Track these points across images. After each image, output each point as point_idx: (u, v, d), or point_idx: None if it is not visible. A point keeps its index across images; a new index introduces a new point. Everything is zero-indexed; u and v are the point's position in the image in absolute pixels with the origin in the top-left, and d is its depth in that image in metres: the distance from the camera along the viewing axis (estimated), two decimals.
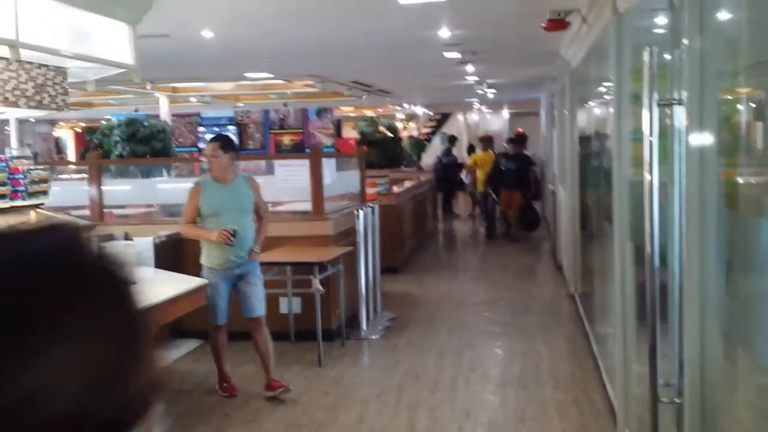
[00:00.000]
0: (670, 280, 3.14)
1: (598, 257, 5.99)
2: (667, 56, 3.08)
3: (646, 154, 3.15)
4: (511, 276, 9.23)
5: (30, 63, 4.50)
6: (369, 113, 19.08)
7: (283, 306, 6.45)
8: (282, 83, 12.01)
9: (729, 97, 2.52)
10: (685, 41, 2.48)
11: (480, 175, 13.39)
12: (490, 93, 14.12)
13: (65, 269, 0.64)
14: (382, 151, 16.39)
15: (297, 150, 17.69)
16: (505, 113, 23.98)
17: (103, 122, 14.08)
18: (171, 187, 8.75)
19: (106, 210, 7.54)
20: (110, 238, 6.49)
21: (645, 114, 3.14)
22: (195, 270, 5.16)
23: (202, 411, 4.96)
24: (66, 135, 25.51)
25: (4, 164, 5.14)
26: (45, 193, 5.50)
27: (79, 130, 23.83)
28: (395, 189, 11.14)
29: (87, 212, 6.94)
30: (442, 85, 12.60)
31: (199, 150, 18.36)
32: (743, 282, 2.22)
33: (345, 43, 7.09)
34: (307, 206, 6.64)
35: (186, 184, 8.96)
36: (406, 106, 20.20)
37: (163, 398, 5.33)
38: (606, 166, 5.35)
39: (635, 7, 3.85)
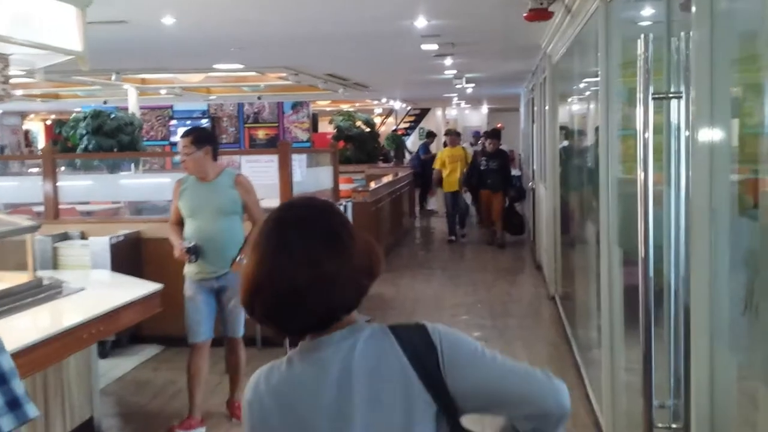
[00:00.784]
0: (665, 290, 2.86)
1: (580, 258, 5.71)
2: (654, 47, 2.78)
3: (640, 152, 2.85)
4: (490, 276, 8.94)
5: None
6: (346, 108, 18.76)
7: None
8: (255, 75, 11.63)
9: (738, 88, 2.22)
10: (693, 26, 2.17)
11: (449, 174, 11.75)
12: (469, 88, 13.82)
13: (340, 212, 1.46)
14: (359, 146, 16.09)
15: (272, 145, 17.30)
16: (484, 109, 23.79)
17: (74, 115, 13.66)
18: (137, 183, 8.35)
19: (67, 206, 7.17)
20: (65, 237, 6.11)
21: (639, 109, 2.84)
22: (156, 273, 4.80)
23: (160, 423, 4.61)
24: (37, 128, 24.94)
25: None
26: None
27: (50, 123, 23.30)
28: (372, 185, 10.83)
29: (42, 209, 6.55)
30: (421, 80, 12.29)
31: (171, 144, 17.91)
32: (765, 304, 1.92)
33: (316, 32, 6.75)
34: (276, 204, 6.30)
35: (155, 180, 8.67)
36: (384, 100, 19.89)
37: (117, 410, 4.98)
38: (589, 164, 5.06)
39: None
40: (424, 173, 14.19)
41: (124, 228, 6.22)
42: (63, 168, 11.94)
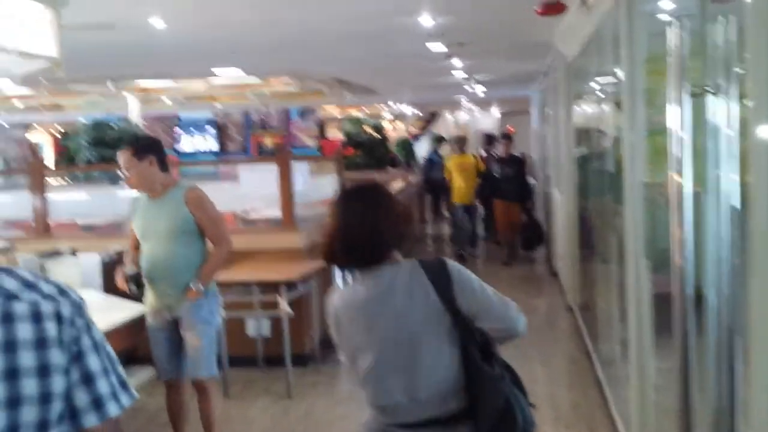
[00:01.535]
0: (705, 311, 2.51)
1: (600, 267, 5.35)
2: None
3: (675, 154, 2.51)
4: (504, 284, 8.54)
5: None
6: (355, 113, 18.44)
7: (251, 328, 5.78)
8: (258, 82, 11.33)
9: None
10: (748, 6, 1.82)
11: (459, 183, 10.13)
12: (480, 90, 13.46)
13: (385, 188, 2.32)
14: (368, 152, 15.76)
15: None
16: (496, 112, 23.40)
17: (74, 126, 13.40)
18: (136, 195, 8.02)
19: (65, 222, 6.89)
20: (55, 253, 5.81)
21: (672, 106, 2.50)
22: None
23: None
24: (43, 140, 24.75)
25: None
26: None
27: (58, 135, 23.10)
28: None
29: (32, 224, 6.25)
30: (429, 83, 11.95)
31: (178, 153, 17.65)
32: None
33: (316, 32, 6.43)
34: (278, 215, 5.97)
35: None
36: (393, 105, 19.57)
37: None
38: (609, 168, 4.71)
39: None
40: (434, 178, 13.61)
41: (119, 244, 5.90)
42: (63, 181, 11.74)
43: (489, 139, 12.68)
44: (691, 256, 2.45)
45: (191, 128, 17.61)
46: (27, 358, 1.24)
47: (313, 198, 6.98)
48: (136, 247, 3.91)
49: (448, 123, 23.02)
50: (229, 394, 5.17)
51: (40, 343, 1.27)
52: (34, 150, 23.57)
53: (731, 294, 2.35)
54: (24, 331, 1.26)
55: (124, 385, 1.42)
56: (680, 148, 2.49)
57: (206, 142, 17.44)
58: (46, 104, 14.40)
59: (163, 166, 3.78)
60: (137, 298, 3.91)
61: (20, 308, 1.26)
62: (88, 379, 1.34)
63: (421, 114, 23.09)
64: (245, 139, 17.44)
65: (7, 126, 20.52)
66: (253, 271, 5.46)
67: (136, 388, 3.98)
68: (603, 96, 5.17)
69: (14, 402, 1.22)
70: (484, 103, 19.99)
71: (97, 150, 11.13)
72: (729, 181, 2.30)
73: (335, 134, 17.87)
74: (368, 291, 2.15)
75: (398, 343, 2.11)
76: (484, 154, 12.45)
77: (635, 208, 3.32)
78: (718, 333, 2.43)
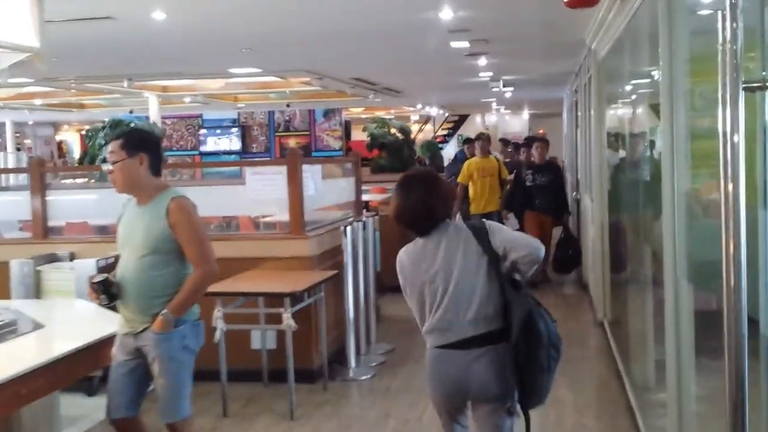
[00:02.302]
0: (762, 347, 2.12)
1: (634, 280, 4.91)
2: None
3: (727, 159, 2.09)
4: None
5: None
6: (381, 115, 18.09)
7: (255, 341, 5.43)
8: (280, 81, 11.03)
9: None
10: None
11: (480, 190, 8.90)
12: (508, 91, 13.01)
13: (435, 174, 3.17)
14: (393, 154, 15.35)
15: (304, 154, 16.72)
16: (525, 114, 22.89)
17: (94, 124, 13.23)
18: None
19: (76, 222, 6.60)
20: (52, 258, 5.51)
21: (723, 104, 2.08)
22: None
23: None
24: (72, 138, 24.75)
25: None
26: None
27: (84, 133, 23.09)
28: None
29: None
30: (455, 83, 11.53)
31: (201, 154, 17.45)
32: None
33: (332, 28, 6.08)
34: (287, 218, 5.62)
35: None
36: (419, 107, 19.17)
37: None
38: (645, 175, 4.28)
39: None
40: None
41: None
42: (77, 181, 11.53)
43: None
44: (744, 277, 2.05)
45: (215, 129, 17.40)
46: None
47: (327, 202, 6.63)
48: None
49: (477, 126, 22.56)
50: (228, 412, 4.82)
51: None
52: (61, 148, 23.59)
53: None
54: None
55: None
56: (732, 152, 2.08)
57: (230, 143, 17.22)
58: (74, 103, 14.29)
59: (155, 168, 3.29)
60: (113, 309, 3.46)
61: None
62: None
63: (448, 116, 22.69)
64: (269, 139, 17.18)
65: (30, 123, 20.47)
66: (257, 280, 5.11)
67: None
68: (637, 97, 4.74)
69: None
70: (514, 105, 19.49)
71: None
72: None
73: (361, 136, 17.54)
74: (426, 245, 2.92)
75: (449, 280, 2.85)
76: (503, 159, 11.44)
77: (676, 224, 2.89)
78: None
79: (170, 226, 3.21)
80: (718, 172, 2.61)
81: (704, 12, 2.97)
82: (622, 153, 5.64)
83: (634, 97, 5.03)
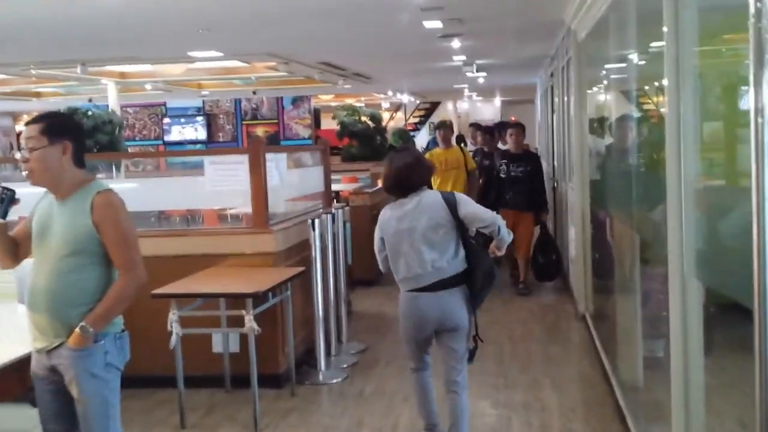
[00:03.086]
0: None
1: (621, 271, 4.60)
2: None
3: (758, 140, 1.77)
4: (508, 288, 7.76)
5: None
6: (351, 102, 17.65)
7: (217, 344, 5.03)
8: (243, 66, 10.55)
9: None
10: None
11: (441, 185, 7.62)
12: (481, 77, 12.66)
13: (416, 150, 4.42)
14: (364, 142, 14.94)
15: (273, 142, 16.23)
16: (497, 101, 22.62)
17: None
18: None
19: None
20: None
21: (749, 85, 1.76)
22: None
23: None
24: None
25: None
26: None
27: None
28: (380, 183, 9.64)
29: None
30: (427, 68, 11.15)
31: (165, 143, 16.88)
32: None
33: (294, 5, 5.66)
34: (249, 210, 5.22)
35: (139, 185, 7.27)
36: (390, 94, 18.77)
37: None
38: (636, 162, 3.95)
39: None
40: None
41: None
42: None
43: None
44: None
45: (179, 118, 16.84)
46: None
47: (293, 193, 6.24)
48: (14, 242, 2.96)
49: (449, 113, 22.25)
50: (186, 423, 4.42)
51: None
52: (19, 140, 22.85)
53: None
54: None
55: None
56: (757, 139, 1.76)
57: (195, 132, 16.68)
58: (30, 91, 13.68)
59: (79, 159, 2.83)
60: None
61: None
62: None
63: (420, 103, 22.33)
64: (236, 128, 16.67)
65: None
66: (217, 280, 4.71)
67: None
68: (626, 79, 4.41)
69: None
70: (486, 92, 19.17)
71: None
72: None
73: (331, 124, 17.09)
74: (405, 204, 3.66)
75: (423, 232, 3.60)
76: (471, 148, 10.10)
77: (684, 217, 2.55)
78: None
79: (94, 223, 2.76)
80: (733, 157, 2.26)
81: None
82: (607, 139, 5.32)
83: (621, 79, 4.70)
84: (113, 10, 5.11)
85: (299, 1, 5.53)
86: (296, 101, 16.52)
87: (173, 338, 4.33)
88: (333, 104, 18.75)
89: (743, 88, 1.95)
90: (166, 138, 16.85)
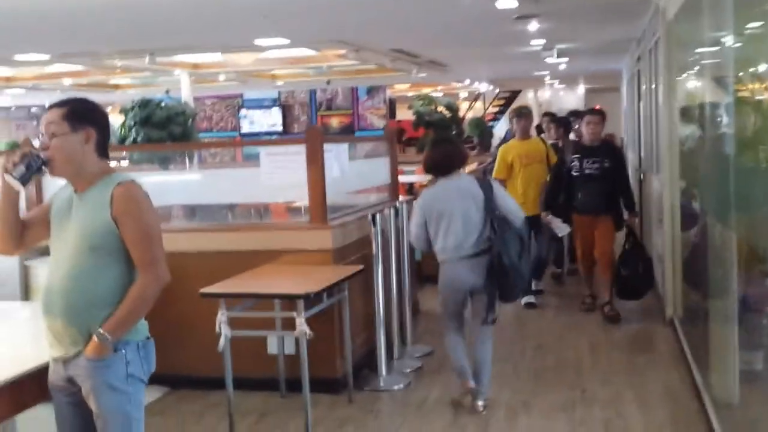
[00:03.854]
0: None
1: (717, 275, 4.08)
2: None
3: None
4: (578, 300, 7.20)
5: None
6: (428, 92, 17.27)
7: (272, 345, 4.76)
8: (315, 55, 10.31)
9: None
10: None
11: (522, 186, 6.60)
12: (562, 63, 12.05)
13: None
14: (439, 133, 14.58)
15: (347, 133, 16.03)
16: (581, 89, 21.79)
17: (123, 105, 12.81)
18: (170, 181, 6.69)
19: None
20: (45, 251, 4.92)
21: None
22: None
23: None
24: (117, 120, 24.54)
25: None
26: None
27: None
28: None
29: None
30: (504, 54, 10.65)
31: (241, 135, 16.88)
32: None
33: None
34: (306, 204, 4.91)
35: (212, 177, 6.88)
36: (468, 83, 18.27)
37: None
38: (731, 154, 3.45)
39: None
40: None
41: None
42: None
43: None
44: None
45: (256, 109, 16.84)
46: None
47: (355, 185, 5.92)
48: (24, 223, 2.64)
49: (530, 102, 21.56)
50: (235, 430, 4.15)
51: None
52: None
53: None
54: None
55: None
56: None
57: (271, 123, 16.64)
58: (108, 84, 13.85)
59: (103, 149, 2.58)
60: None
61: None
62: None
63: (499, 93, 21.73)
64: (310, 119, 16.54)
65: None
66: (268, 279, 4.43)
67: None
68: (722, 62, 3.88)
69: None
70: (569, 79, 18.41)
71: (144, 130, 10.37)
72: None
73: (406, 114, 16.76)
74: (445, 185, 4.34)
75: (462, 213, 4.24)
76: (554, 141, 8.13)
77: None
78: None
79: (114, 217, 2.49)
80: None
81: None
82: (701, 129, 4.77)
83: (717, 63, 4.17)
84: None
85: None
86: (371, 91, 16.28)
87: (221, 340, 4.07)
88: (409, 94, 18.41)
89: None
90: (242, 129, 16.88)
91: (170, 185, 5.50)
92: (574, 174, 6.20)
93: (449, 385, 4.74)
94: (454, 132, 14.51)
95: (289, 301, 4.13)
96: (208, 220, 5.78)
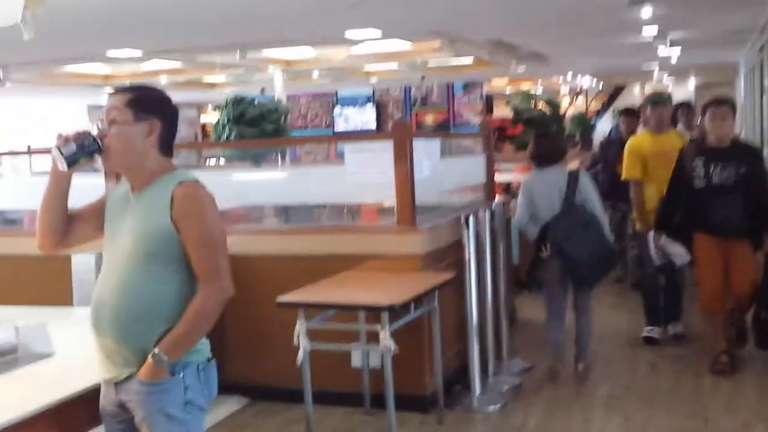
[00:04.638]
0: None
1: None
2: None
3: None
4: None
5: None
6: (527, 87, 16.64)
7: (356, 358, 4.42)
8: (407, 51, 9.95)
9: None
10: None
11: (657, 188, 5.22)
12: (674, 54, 11.23)
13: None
14: (540, 130, 13.96)
15: (442, 130, 15.61)
16: (691, 84, 20.58)
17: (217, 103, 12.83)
18: (252, 180, 6.12)
19: None
20: None
21: None
22: (236, 300, 2.90)
23: None
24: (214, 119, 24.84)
25: None
26: None
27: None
28: None
29: None
30: (612, 44, 9.96)
31: (335, 133, 16.73)
32: None
33: None
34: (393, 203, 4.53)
35: (302, 175, 6.62)
36: (570, 77, 17.49)
37: None
38: None
39: None
40: (605, 166, 7.60)
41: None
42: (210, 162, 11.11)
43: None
44: None
45: (350, 106, 16.66)
46: None
47: (446, 184, 5.50)
48: (71, 218, 2.35)
49: (636, 98, 20.52)
50: None
51: None
52: (206, 130, 23.76)
53: None
54: None
55: None
56: None
57: (364, 120, 16.43)
58: (204, 82, 13.95)
59: (166, 145, 2.30)
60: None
61: None
62: None
63: (602, 88, 20.79)
64: (405, 116, 16.21)
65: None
66: (351, 287, 4.08)
67: (220, 423, 2.33)
68: None
69: None
70: (679, 72, 17.34)
71: (237, 128, 10.30)
72: None
73: (504, 111, 16.20)
74: (543, 173, 4.82)
75: (547, 200, 4.69)
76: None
77: None
78: None
79: (174, 221, 2.19)
80: None
81: None
82: None
83: None
84: None
85: None
86: (467, 87, 15.80)
87: (300, 353, 3.75)
88: (507, 91, 17.82)
89: None
90: (336, 127, 16.72)
91: (253, 184, 5.24)
92: (698, 184, 4.75)
93: (552, 407, 4.26)
94: (554, 129, 13.90)
95: (373, 312, 3.77)
96: (292, 221, 5.49)
